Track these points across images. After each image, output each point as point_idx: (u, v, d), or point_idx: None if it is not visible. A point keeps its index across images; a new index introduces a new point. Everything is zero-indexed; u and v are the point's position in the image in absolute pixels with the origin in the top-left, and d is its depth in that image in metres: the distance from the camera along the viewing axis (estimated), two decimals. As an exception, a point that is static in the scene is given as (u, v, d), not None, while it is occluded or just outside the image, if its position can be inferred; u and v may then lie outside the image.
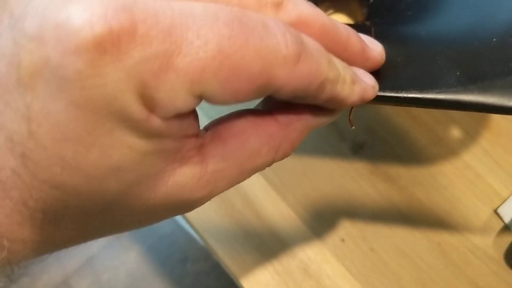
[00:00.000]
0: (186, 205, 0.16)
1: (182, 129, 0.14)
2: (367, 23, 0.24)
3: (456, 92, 0.18)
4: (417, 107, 0.19)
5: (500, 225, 0.31)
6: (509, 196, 0.31)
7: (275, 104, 0.17)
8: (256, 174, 0.31)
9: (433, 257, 0.30)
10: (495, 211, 0.31)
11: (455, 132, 0.33)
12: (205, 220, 0.30)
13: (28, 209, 0.13)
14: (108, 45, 0.11)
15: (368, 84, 0.17)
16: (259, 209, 0.31)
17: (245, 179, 0.17)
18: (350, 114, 0.20)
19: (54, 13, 0.11)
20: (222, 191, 0.17)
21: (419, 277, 0.29)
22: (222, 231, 0.30)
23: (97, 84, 0.11)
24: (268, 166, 0.17)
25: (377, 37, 0.24)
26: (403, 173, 0.32)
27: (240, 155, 0.16)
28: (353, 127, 0.20)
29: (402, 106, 0.21)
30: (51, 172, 0.12)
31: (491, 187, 0.32)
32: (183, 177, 0.15)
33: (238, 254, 0.30)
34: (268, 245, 0.30)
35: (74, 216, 0.14)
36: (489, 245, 0.30)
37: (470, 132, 0.33)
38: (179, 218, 1.01)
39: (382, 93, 0.19)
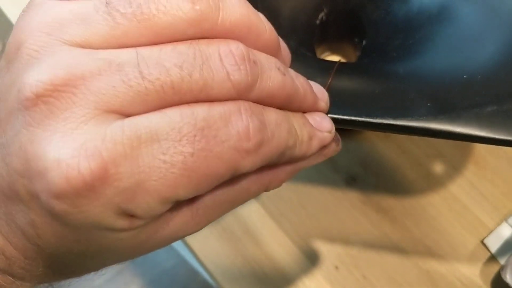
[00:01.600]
0: (182, 238, 0.18)
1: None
2: (337, 60, 0.26)
3: (426, 120, 0.20)
4: (390, 132, 0.21)
5: (486, 255, 0.32)
6: (495, 227, 0.33)
7: None
8: (255, 204, 0.33)
9: (422, 284, 0.31)
10: (482, 242, 0.33)
11: (443, 166, 0.35)
12: (205, 246, 0.32)
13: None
14: (84, 192, 0.13)
15: (324, 132, 0.18)
16: (258, 237, 0.32)
17: (237, 206, 0.18)
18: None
19: (35, 161, 0.13)
20: (215, 220, 0.18)
21: (410, 304, 0.31)
22: (222, 257, 0.32)
23: (81, 216, 0.13)
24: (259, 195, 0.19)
25: (360, 73, 0.26)
26: (394, 205, 0.33)
27: (230, 196, 0.17)
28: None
29: (377, 131, 0.23)
30: (53, 248, 0.15)
31: (477, 218, 0.33)
32: (176, 226, 0.16)
33: (237, 281, 0.31)
34: (265, 270, 0.31)
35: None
36: (476, 274, 0.31)
37: (456, 166, 0.35)
38: (181, 251, 1.01)
39: (359, 118, 0.20)
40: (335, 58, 0.35)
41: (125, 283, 1.06)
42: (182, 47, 0.14)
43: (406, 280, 0.31)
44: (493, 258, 0.32)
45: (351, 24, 0.34)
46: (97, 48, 0.14)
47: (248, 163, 0.15)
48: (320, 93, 0.19)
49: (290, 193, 0.34)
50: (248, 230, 0.33)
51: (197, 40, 0.14)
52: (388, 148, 0.35)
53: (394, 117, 0.21)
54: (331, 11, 0.33)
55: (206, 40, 0.14)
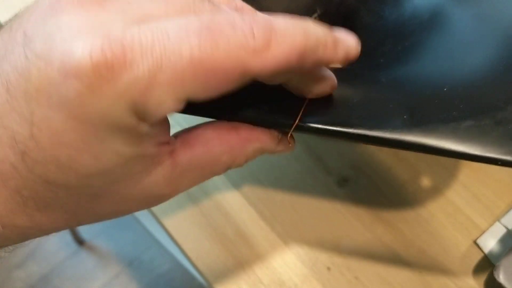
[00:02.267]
0: (155, 200, 0.19)
1: (160, 135, 0.17)
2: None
3: (401, 133, 0.20)
4: (363, 143, 0.21)
5: (479, 255, 0.32)
6: (487, 228, 0.33)
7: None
8: (247, 206, 0.33)
9: (415, 286, 0.31)
10: (475, 242, 0.32)
11: (435, 168, 0.35)
12: (197, 248, 0.32)
13: (21, 197, 0.15)
14: (103, 70, 0.13)
15: (351, 44, 0.19)
16: (250, 239, 0.32)
17: (202, 182, 0.20)
18: (290, 129, 0.21)
19: (61, 41, 0.14)
20: (184, 190, 0.19)
21: (403, 306, 0.31)
22: (214, 259, 0.32)
23: (94, 103, 0.13)
24: (222, 173, 0.20)
25: (343, 80, 0.26)
26: (386, 207, 0.33)
27: (204, 160, 0.19)
28: (292, 148, 0.22)
29: (350, 141, 0.23)
30: (46, 169, 0.14)
31: (470, 219, 0.33)
32: (156, 177, 0.17)
33: (229, 282, 0.31)
34: (257, 272, 0.31)
35: (62, 206, 0.16)
36: (469, 275, 0.31)
37: (449, 167, 0.35)
38: (177, 255, 1.01)
39: (333, 128, 0.20)
40: None
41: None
42: None
43: (398, 281, 0.31)
44: (486, 258, 0.32)
45: (344, 26, 0.34)
46: None
47: (257, 63, 0.15)
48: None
49: (282, 195, 0.34)
50: (240, 232, 0.33)
51: None
52: (379, 150, 0.35)
53: (370, 128, 0.21)
54: (324, 13, 0.33)
55: None
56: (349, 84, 0.25)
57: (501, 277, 0.30)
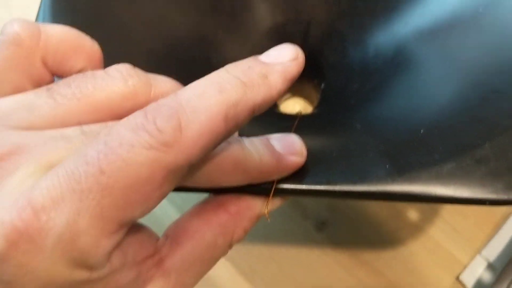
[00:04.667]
0: None
1: (133, 255, 0.15)
2: (297, 113, 0.25)
3: (385, 184, 0.20)
4: (350, 199, 0.20)
5: (463, 292, 0.32)
6: (469, 262, 0.32)
7: (225, 194, 0.19)
8: (224, 262, 0.32)
9: (401, 332, 0.30)
10: (457, 279, 0.32)
11: (413, 204, 0.34)
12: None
13: None
14: (24, 244, 0.12)
15: (285, 63, 0.17)
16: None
17: (210, 268, 0.18)
18: (266, 206, 0.20)
19: None
20: (192, 286, 0.18)
21: None
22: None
23: (33, 277, 0.13)
24: (227, 253, 0.19)
25: (318, 129, 0.25)
26: (365, 247, 0.33)
27: (198, 253, 0.17)
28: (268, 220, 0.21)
29: (336, 199, 0.22)
30: None
31: (451, 254, 0.33)
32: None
33: None
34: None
35: None
36: (454, 314, 0.31)
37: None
38: None
39: (318, 187, 0.20)
40: (297, 100, 0.34)
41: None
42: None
43: (384, 328, 0.31)
44: (469, 295, 0.31)
45: (310, 65, 0.33)
46: (43, 129, 0.15)
47: (173, 156, 0.13)
48: (291, 146, 0.19)
49: (260, 246, 0.33)
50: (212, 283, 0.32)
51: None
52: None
53: (354, 182, 0.20)
54: None
55: None
56: (324, 134, 0.24)
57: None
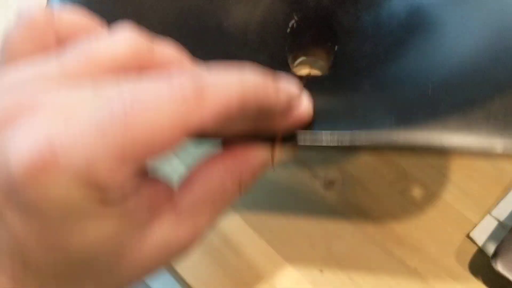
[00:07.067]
0: (177, 251, 0.18)
1: (146, 187, 0.17)
2: (306, 74, 0.26)
3: (391, 133, 0.20)
4: (352, 149, 0.21)
5: (474, 248, 0.31)
6: (479, 221, 0.32)
7: (234, 142, 0.20)
8: (233, 214, 0.32)
9: (411, 282, 0.30)
10: (468, 236, 0.32)
11: (421, 167, 0.34)
12: (183, 259, 0.31)
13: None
14: (40, 164, 0.13)
15: (292, 91, 0.19)
16: (238, 247, 0.31)
17: (222, 211, 0.19)
18: (272, 154, 0.21)
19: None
20: (205, 229, 0.19)
21: (401, 305, 0.29)
22: (202, 269, 0.31)
23: (48, 192, 0.14)
24: (238, 198, 0.19)
25: (329, 88, 0.26)
26: (374, 206, 0.33)
27: (208, 194, 0.18)
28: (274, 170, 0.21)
29: (341, 151, 0.22)
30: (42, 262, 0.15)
31: (461, 214, 0.33)
32: (163, 232, 0.17)
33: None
34: (247, 281, 0.30)
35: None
36: (466, 267, 0.30)
37: (435, 166, 0.35)
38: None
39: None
40: (309, 61, 0.35)
41: None
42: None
43: (394, 278, 0.30)
44: (481, 251, 0.31)
45: (323, 30, 0.34)
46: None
47: (197, 114, 0.15)
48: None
49: (269, 202, 0.33)
50: (228, 241, 0.32)
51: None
52: (363, 151, 0.35)
53: (359, 132, 0.20)
54: (302, 18, 0.33)
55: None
56: (332, 93, 0.25)
57: (500, 267, 0.29)
